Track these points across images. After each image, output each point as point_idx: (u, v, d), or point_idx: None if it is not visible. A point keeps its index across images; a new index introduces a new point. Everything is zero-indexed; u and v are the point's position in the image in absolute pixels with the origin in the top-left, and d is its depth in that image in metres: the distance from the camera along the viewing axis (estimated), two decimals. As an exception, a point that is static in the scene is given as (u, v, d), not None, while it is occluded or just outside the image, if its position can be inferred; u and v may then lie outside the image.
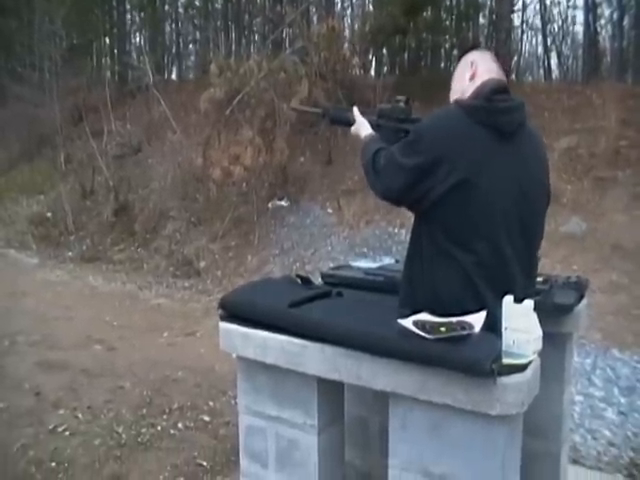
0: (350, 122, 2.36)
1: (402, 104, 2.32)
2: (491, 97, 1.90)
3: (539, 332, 1.79)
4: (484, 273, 1.87)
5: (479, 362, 1.63)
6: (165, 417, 3.87)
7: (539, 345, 1.79)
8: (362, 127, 2.29)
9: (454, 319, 1.77)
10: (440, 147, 1.85)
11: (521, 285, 1.93)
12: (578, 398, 4.09)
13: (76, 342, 5.35)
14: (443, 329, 1.73)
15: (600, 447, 3.55)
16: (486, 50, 2.24)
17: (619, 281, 6.11)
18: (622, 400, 4.10)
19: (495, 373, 1.63)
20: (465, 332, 1.71)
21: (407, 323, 1.77)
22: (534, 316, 1.77)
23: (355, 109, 2.37)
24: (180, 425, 3.78)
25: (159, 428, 3.72)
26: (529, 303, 1.76)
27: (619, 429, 3.74)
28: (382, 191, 2.02)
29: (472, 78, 2.03)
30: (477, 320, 1.77)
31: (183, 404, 4.05)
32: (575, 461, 3.37)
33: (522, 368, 1.72)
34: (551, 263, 6.35)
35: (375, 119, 2.31)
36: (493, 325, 1.78)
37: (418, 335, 1.73)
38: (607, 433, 3.70)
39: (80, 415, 3.88)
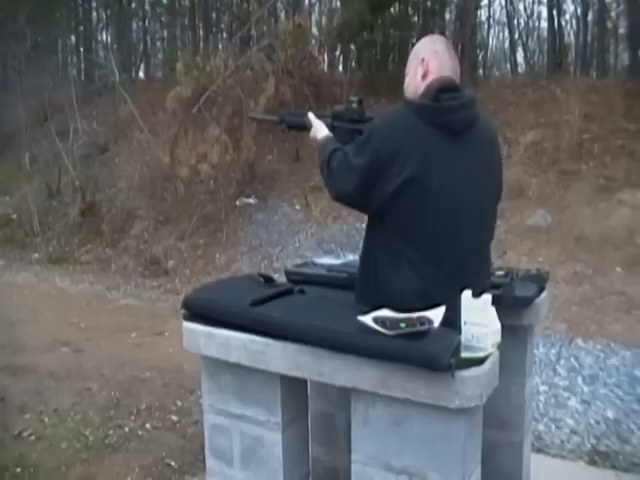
0: (306, 126, 2.38)
1: (355, 105, 2.35)
2: (437, 96, 1.92)
3: (497, 325, 1.81)
4: (434, 270, 1.90)
5: (437, 357, 1.65)
6: (133, 418, 3.85)
7: (498, 338, 1.82)
8: (319, 130, 2.30)
9: (414, 315, 1.79)
10: (390, 146, 1.87)
11: (475, 280, 1.95)
12: (543, 388, 4.16)
13: (42, 345, 5.28)
14: (403, 325, 1.75)
15: (563, 435, 3.62)
16: (438, 41, 2.13)
17: (583, 272, 6.21)
18: (585, 389, 4.18)
19: (453, 367, 1.65)
20: (424, 327, 1.73)
21: (367, 319, 1.78)
22: (492, 310, 1.79)
23: (310, 114, 2.38)
24: (148, 426, 3.76)
25: (127, 429, 3.70)
26: (487, 297, 1.78)
27: (582, 417, 3.82)
28: (335, 192, 2.05)
29: (424, 77, 2.02)
30: (436, 315, 1.79)
31: (151, 404, 4.03)
32: (539, 450, 3.43)
33: (480, 361, 1.74)
34: (517, 256, 6.43)
35: (330, 121, 2.33)
36: (453, 320, 1.81)
37: (378, 331, 1.74)
38: (570, 422, 3.77)
39: (46, 419, 3.84)
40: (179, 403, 4.06)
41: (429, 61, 2.03)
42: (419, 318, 1.77)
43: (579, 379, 4.34)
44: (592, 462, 3.36)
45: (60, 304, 7.00)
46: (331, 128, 2.30)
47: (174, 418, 3.86)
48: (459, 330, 1.79)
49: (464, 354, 1.74)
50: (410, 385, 1.74)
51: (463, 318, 1.80)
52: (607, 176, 7.53)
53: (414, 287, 1.90)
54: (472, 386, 1.70)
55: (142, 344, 5.44)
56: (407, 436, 1.80)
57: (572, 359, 4.65)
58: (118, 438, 3.60)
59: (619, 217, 6.94)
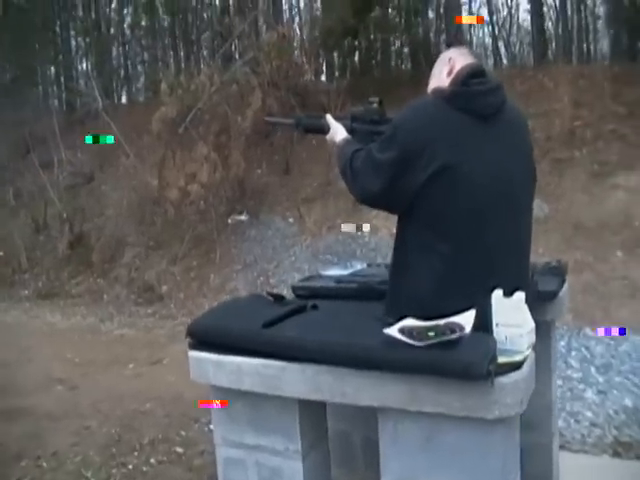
0: (324, 129, 2.28)
1: (375, 105, 2.24)
2: (468, 81, 1.86)
3: (532, 325, 1.68)
4: (466, 261, 1.77)
5: (475, 365, 1.49)
6: (136, 454, 3.63)
7: (533, 338, 1.69)
8: (337, 133, 2.20)
9: (442, 322, 1.63)
10: (417, 136, 1.78)
11: (511, 274, 1.83)
12: (557, 382, 4.02)
13: (37, 385, 5.02)
14: (432, 334, 1.59)
15: (584, 429, 3.48)
16: (463, 48, 2.20)
17: (583, 260, 6.10)
18: (600, 379, 4.07)
19: (492, 374, 1.50)
20: (456, 335, 1.57)
21: (393, 331, 1.62)
22: (526, 308, 1.66)
23: (329, 116, 2.29)
24: (152, 460, 3.54)
25: (130, 467, 3.48)
26: (520, 295, 1.64)
27: (600, 408, 3.69)
28: (361, 192, 1.94)
29: (450, 74, 1.98)
30: (467, 320, 1.63)
31: (154, 437, 3.81)
32: (561, 446, 3.27)
33: (518, 365, 1.59)
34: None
35: (349, 123, 2.23)
36: (483, 320, 1.66)
37: (406, 343, 1.58)
38: (589, 414, 3.64)
39: (44, 463, 3.60)
40: (183, 433, 3.86)
41: (455, 60, 1.99)
42: (448, 325, 1.62)
43: (592, 369, 4.23)
44: (616, 454, 3.23)
45: (52, 340, 6.72)
46: (350, 130, 2.19)
47: (179, 450, 3.66)
48: (490, 329, 1.65)
49: (500, 359, 1.58)
50: (443, 398, 1.59)
51: (495, 320, 1.65)
52: (601, 161, 7.46)
53: (444, 283, 1.78)
54: (512, 393, 1.56)
55: (140, 375, 5.21)
56: (440, 453, 1.65)
57: (583, 349, 4.55)
58: (122, 477, 3.38)
59: (615, 201, 6.88)
